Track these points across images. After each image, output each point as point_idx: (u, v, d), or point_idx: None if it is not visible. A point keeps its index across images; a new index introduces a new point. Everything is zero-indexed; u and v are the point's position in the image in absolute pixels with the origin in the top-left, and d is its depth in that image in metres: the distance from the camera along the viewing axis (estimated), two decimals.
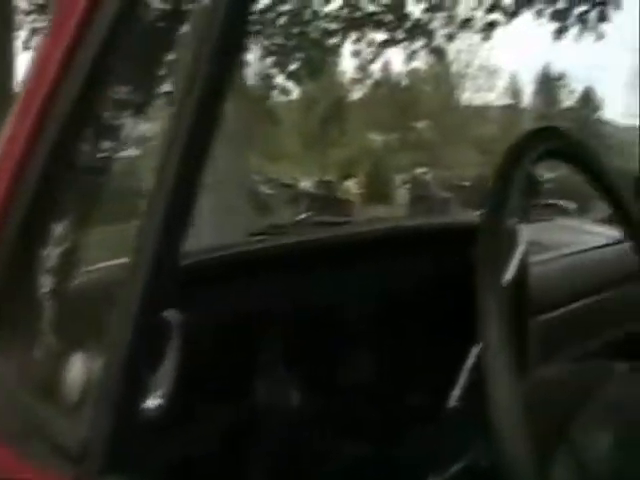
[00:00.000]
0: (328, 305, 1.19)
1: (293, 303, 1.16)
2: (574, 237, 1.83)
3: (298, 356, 1.18)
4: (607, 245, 1.93)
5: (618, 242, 2.03)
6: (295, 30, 10.97)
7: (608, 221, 2.39)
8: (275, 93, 13.18)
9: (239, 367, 1.13)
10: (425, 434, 1.17)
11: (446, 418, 1.07)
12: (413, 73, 31.42)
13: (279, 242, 1.24)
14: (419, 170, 22.53)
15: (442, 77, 35.71)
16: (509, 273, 0.96)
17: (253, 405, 1.14)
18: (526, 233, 1.05)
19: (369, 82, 21.67)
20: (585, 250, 1.78)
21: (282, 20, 10.88)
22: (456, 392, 1.01)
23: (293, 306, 1.16)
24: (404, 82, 34.78)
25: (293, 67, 11.20)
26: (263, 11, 10.71)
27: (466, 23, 10.81)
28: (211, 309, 1.06)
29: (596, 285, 1.68)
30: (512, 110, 40.25)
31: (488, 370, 0.71)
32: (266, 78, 11.96)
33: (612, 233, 2.14)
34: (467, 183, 21.23)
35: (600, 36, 9.85)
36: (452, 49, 24.86)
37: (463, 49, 31.11)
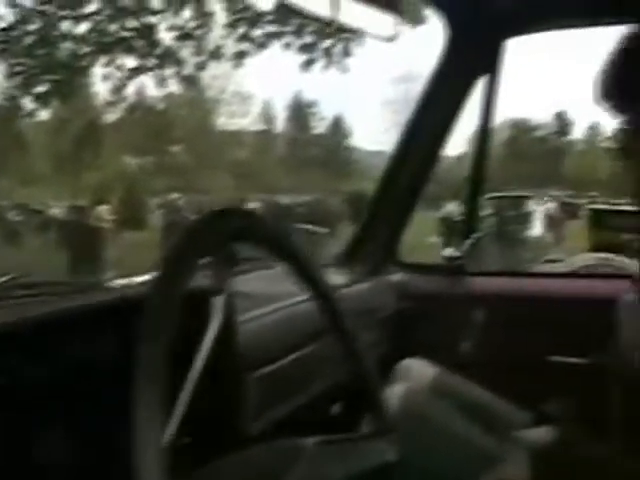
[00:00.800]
0: (16, 384, 1.11)
1: None
2: (294, 286, 1.84)
3: None
4: None
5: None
6: (42, 51, 10.61)
7: (335, 265, 2.46)
8: (23, 115, 12.69)
9: None
10: None
11: None
12: (168, 97, 31.30)
13: None
14: (173, 195, 22.43)
15: (197, 102, 35.81)
16: (201, 354, 0.94)
17: None
18: (222, 303, 1.03)
19: (124, 105, 21.34)
20: (301, 301, 1.80)
21: (28, 40, 10.49)
22: None
23: None
24: (159, 106, 34.55)
25: (40, 89, 10.82)
26: (7, 29, 10.27)
27: (216, 52, 10.94)
28: None
29: (309, 336, 1.70)
30: (266, 135, 41.13)
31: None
32: (12, 99, 11.49)
33: (334, 281, 2.20)
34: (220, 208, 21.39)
35: (345, 69, 10.35)
36: (206, 75, 24.99)
37: (218, 75, 31.33)
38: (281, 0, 1.69)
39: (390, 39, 1.83)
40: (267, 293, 1.73)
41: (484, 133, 2.50)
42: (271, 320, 1.66)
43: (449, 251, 2.55)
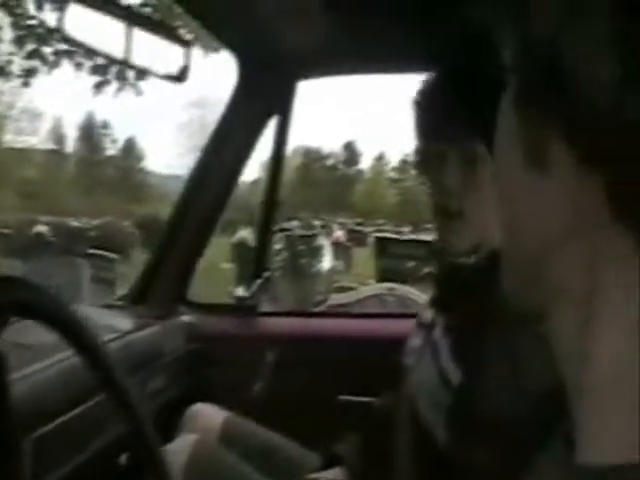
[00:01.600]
0: None
1: None
2: None
3: None
4: (112, 340, 1.87)
5: (121, 336, 1.99)
6: None
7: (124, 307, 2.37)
8: None
9: None
10: None
11: None
12: None
13: None
14: None
15: None
16: None
17: None
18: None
19: None
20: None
21: None
22: None
23: None
24: None
25: None
26: None
27: (2, 68, 10.49)
28: None
29: (90, 389, 1.59)
30: (56, 155, 39.76)
31: None
32: None
33: (122, 325, 2.10)
34: (8, 231, 20.49)
35: (139, 92, 10.17)
36: None
37: (5, 91, 30.03)
38: (61, 26, 1.60)
39: (178, 79, 1.78)
40: (47, 343, 1.61)
41: (276, 166, 2.51)
42: (50, 374, 1.54)
43: (240, 291, 2.51)
